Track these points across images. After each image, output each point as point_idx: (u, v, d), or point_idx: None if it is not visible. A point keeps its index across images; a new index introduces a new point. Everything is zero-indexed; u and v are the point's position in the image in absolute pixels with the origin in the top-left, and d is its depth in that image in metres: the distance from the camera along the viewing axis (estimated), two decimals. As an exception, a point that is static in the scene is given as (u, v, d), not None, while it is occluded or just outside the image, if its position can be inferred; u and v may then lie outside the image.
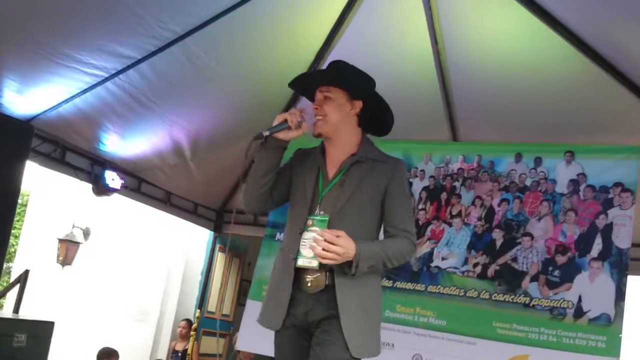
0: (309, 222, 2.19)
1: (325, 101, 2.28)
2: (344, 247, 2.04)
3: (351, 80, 2.30)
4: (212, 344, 7.21)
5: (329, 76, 2.34)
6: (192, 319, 7.31)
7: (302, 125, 2.23)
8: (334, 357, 2.09)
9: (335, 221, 2.15)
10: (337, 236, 2.04)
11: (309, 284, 2.16)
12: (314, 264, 2.12)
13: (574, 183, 4.11)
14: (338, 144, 2.31)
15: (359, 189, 2.22)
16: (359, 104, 2.31)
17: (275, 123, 2.20)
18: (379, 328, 2.25)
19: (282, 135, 2.20)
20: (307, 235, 2.18)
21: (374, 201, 2.25)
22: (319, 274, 2.15)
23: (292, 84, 2.43)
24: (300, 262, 2.16)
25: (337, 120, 2.27)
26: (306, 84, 2.42)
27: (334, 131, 2.28)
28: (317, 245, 2.04)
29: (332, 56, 3.98)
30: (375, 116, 2.37)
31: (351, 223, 2.15)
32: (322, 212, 2.20)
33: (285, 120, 2.19)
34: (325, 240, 2.03)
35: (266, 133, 2.17)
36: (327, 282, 2.14)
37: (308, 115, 2.26)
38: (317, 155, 2.33)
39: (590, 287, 3.90)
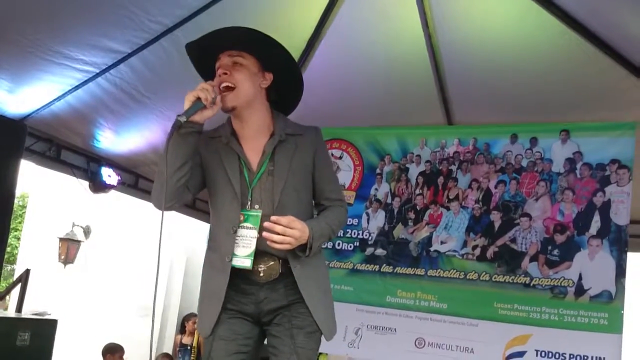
0: (241, 217, 2.01)
1: (235, 67, 1.99)
2: (300, 230, 1.91)
3: (266, 48, 2.03)
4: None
5: (241, 39, 2.01)
6: (196, 313, 7.33)
7: (217, 101, 1.94)
8: (315, 344, 2.03)
9: (278, 214, 1.94)
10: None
11: (261, 274, 2.01)
12: (247, 264, 1.98)
13: (570, 162, 4.10)
14: (251, 122, 2.06)
15: (291, 174, 2.04)
16: (269, 77, 2.08)
17: (187, 104, 1.89)
18: (333, 306, 2.18)
19: (197, 117, 1.90)
20: (239, 232, 2.01)
21: (307, 181, 2.12)
22: (272, 263, 2.01)
23: (192, 45, 2.08)
24: (234, 262, 1.99)
25: (250, 93, 2.01)
26: (207, 47, 2.05)
27: (247, 105, 2.02)
28: (272, 234, 1.88)
29: (324, 43, 3.97)
30: (284, 93, 2.16)
31: (294, 211, 1.99)
32: (256, 207, 2.02)
33: (199, 99, 1.88)
34: (281, 226, 1.88)
35: (183, 118, 1.86)
36: (281, 271, 2.02)
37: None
38: (231, 139, 2.07)
39: (590, 265, 3.90)
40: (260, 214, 1.99)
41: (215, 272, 2.05)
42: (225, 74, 1.98)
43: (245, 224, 2.00)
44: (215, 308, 2.01)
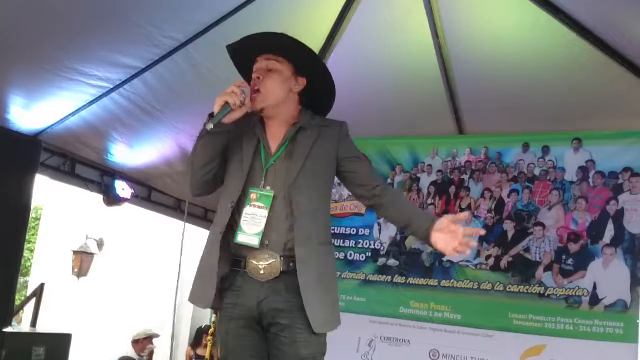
0: (253, 195, 2.06)
1: (269, 73, 2.11)
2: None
3: (300, 54, 2.14)
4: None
5: (277, 44, 2.13)
6: (210, 324, 7.33)
7: (246, 102, 2.05)
8: (309, 353, 2.01)
9: (293, 194, 2.03)
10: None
11: (262, 272, 2.02)
12: (255, 241, 2.01)
13: (583, 170, 4.09)
14: (279, 117, 2.17)
15: (310, 158, 2.09)
16: (302, 82, 2.17)
17: (216, 108, 2.00)
18: (337, 301, 2.15)
19: (225, 119, 2.01)
20: (249, 210, 2.05)
21: (325, 170, 2.15)
22: (274, 261, 2.01)
23: (233, 46, 2.21)
24: (241, 238, 2.03)
25: (280, 97, 2.12)
26: (247, 49, 2.18)
27: (275, 107, 2.13)
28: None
29: (335, 54, 4.00)
30: (317, 97, 2.24)
31: (309, 194, 2.05)
32: (268, 187, 2.06)
33: (227, 103, 1.99)
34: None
35: (210, 126, 1.99)
36: (282, 269, 2.02)
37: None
38: (257, 124, 2.17)
39: (605, 274, 3.89)
40: (272, 194, 2.05)
41: (209, 247, 2.11)
42: (259, 78, 2.10)
43: (256, 203, 2.05)
44: (209, 282, 2.06)
